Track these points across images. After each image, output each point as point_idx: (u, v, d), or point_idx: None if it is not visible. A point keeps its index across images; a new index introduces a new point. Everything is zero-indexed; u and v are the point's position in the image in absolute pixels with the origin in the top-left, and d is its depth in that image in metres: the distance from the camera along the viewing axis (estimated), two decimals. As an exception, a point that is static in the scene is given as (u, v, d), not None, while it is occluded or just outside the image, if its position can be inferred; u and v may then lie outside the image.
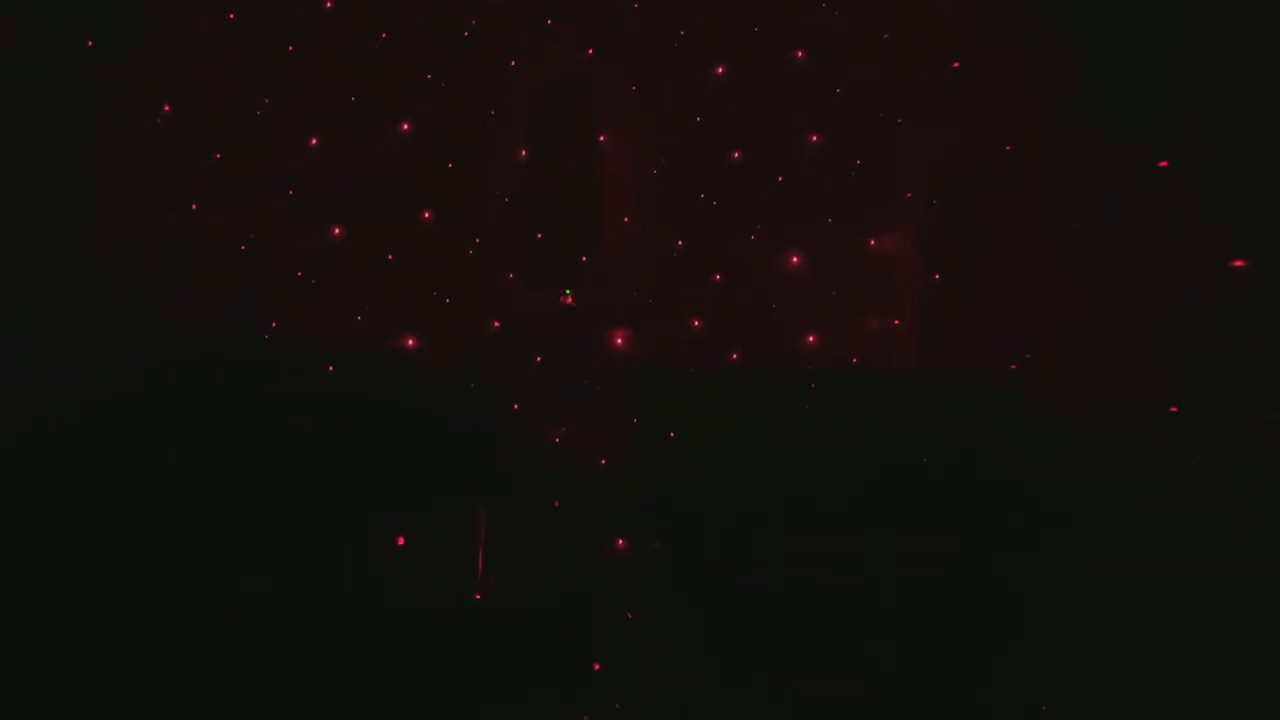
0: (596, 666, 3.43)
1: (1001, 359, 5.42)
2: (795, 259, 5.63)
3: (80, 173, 4.89)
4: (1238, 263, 4.98)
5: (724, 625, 3.80)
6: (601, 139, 5.69)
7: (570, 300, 5.64)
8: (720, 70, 5.63)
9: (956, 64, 5.52)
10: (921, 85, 5.61)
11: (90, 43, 4.85)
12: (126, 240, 5.04)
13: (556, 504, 4.74)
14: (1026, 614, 3.82)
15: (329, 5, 5.33)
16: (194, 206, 5.14)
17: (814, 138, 5.64)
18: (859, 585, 4.02)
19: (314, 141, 5.31)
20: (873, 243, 5.69)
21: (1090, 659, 3.67)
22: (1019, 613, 3.86)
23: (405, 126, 5.46)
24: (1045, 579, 4.06)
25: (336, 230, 5.34)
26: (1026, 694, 3.47)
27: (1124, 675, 3.58)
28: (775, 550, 4.28)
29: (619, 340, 5.59)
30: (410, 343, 5.45)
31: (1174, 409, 4.97)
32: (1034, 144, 5.43)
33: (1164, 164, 5.09)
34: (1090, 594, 4.01)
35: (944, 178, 5.61)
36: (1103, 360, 5.19)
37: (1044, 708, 3.51)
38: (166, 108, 5.09)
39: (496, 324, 5.62)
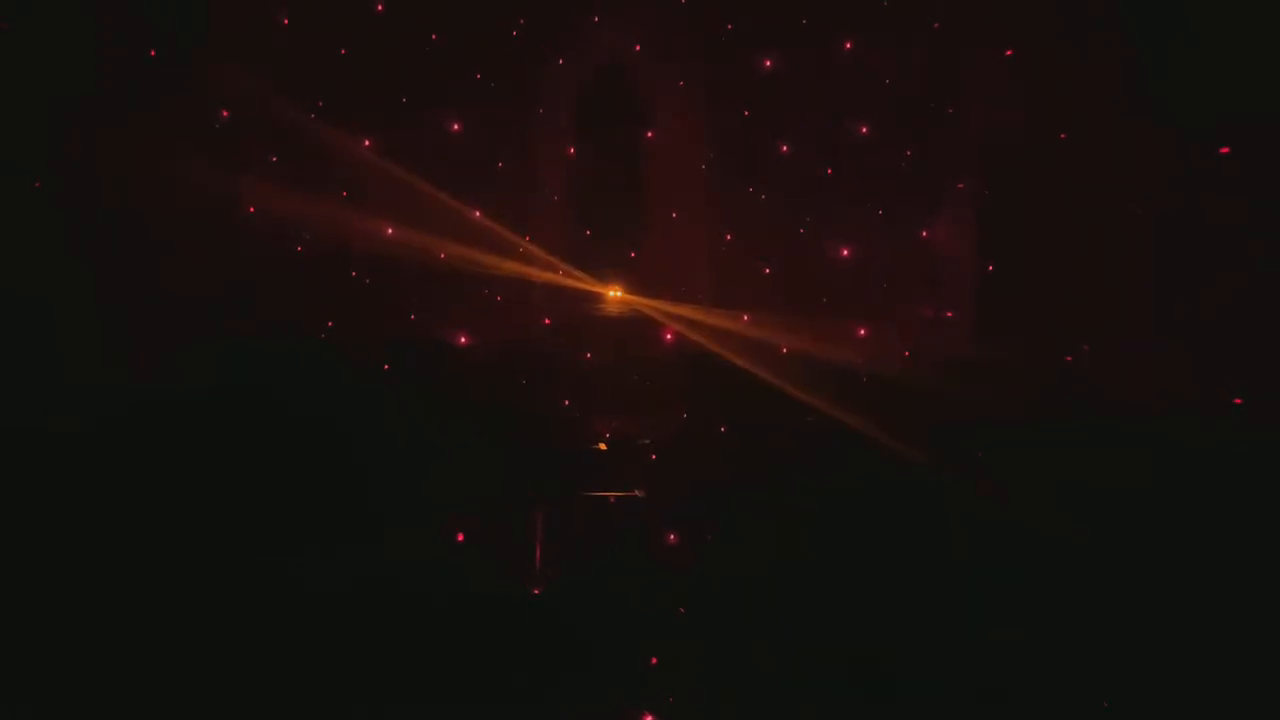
0: (654, 661, 3.47)
1: (1057, 350, 5.34)
2: (845, 251, 5.59)
3: (142, 174, 5.01)
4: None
5: (775, 619, 3.81)
6: (649, 134, 5.70)
7: (619, 295, 5.66)
8: (768, 62, 5.60)
9: (1009, 51, 5.43)
10: (973, 74, 5.54)
11: (153, 52, 4.98)
12: (186, 241, 5.16)
13: (612, 499, 4.78)
14: (1073, 605, 3.80)
15: (380, 8, 5.41)
16: (250, 209, 5.26)
17: (863, 128, 5.59)
18: (912, 575, 4.00)
19: (367, 143, 5.39)
20: (924, 234, 5.62)
21: (1154, 647, 3.63)
22: (1068, 605, 3.83)
23: (455, 126, 5.53)
24: (1094, 571, 4.01)
25: (389, 230, 5.42)
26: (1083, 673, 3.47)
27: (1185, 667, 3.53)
28: (828, 542, 4.27)
29: (668, 335, 5.60)
30: (463, 340, 5.51)
31: (1238, 400, 4.84)
32: (1090, 131, 5.32)
33: (1225, 150, 4.96)
34: (1142, 586, 3.96)
35: (997, 166, 5.53)
36: (1163, 351, 5.08)
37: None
38: (225, 113, 5.21)
39: (547, 320, 5.66)
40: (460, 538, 4.23)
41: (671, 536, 4.72)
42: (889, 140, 5.59)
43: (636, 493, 4.83)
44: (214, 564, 3.83)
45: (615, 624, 3.60)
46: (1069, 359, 5.31)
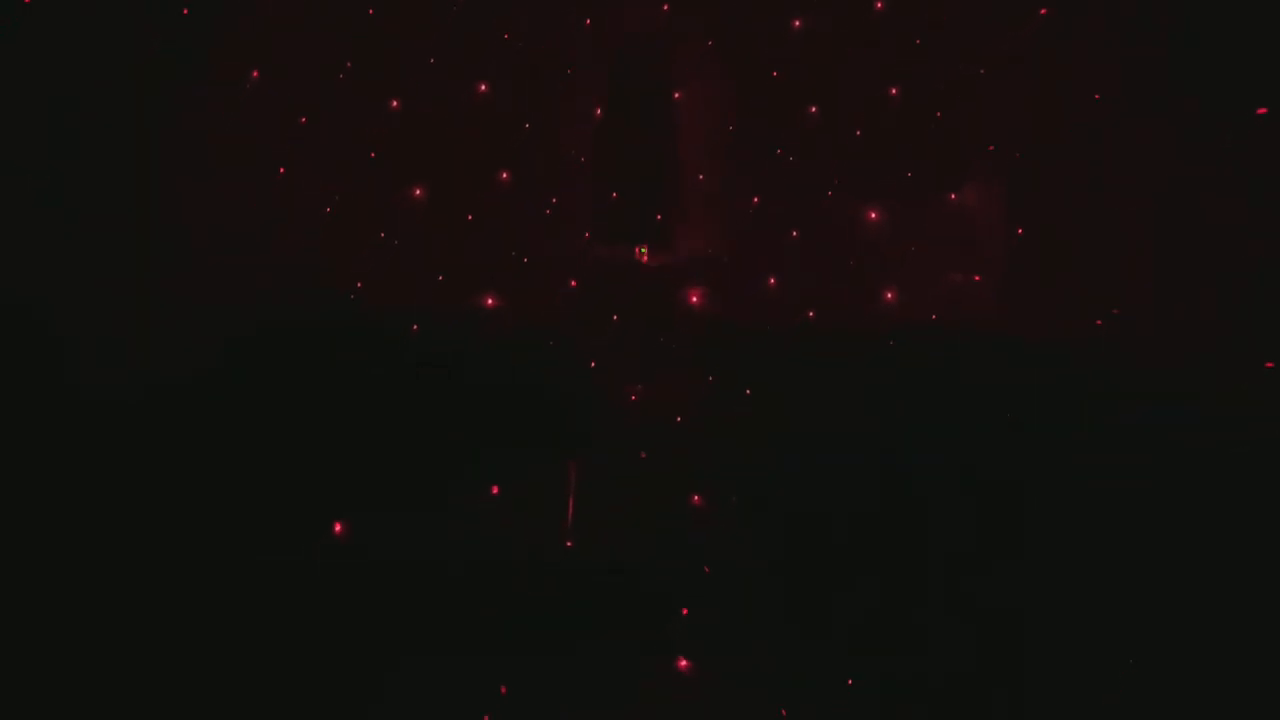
0: (685, 611, 3.56)
1: (1087, 314, 5.30)
2: (874, 214, 5.56)
3: (169, 137, 5.05)
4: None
5: (800, 581, 3.87)
6: (677, 96, 5.67)
7: (645, 258, 5.67)
8: (798, 23, 5.55)
9: (1044, 10, 5.35)
10: (1005, 35, 5.46)
11: (185, 10, 5.00)
12: (214, 204, 5.20)
13: (644, 455, 4.82)
14: (1106, 573, 3.81)
15: (408, -32, 5.40)
16: (280, 170, 5.28)
17: (893, 91, 5.54)
18: (936, 540, 4.04)
19: (395, 104, 5.40)
20: (953, 197, 5.58)
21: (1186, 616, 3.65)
22: (1098, 568, 3.84)
23: (483, 88, 5.52)
24: (1129, 541, 4.02)
25: (417, 191, 5.44)
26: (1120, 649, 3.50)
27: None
28: (851, 506, 4.31)
29: (694, 298, 5.60)
30: (489, 302, 5.53)
31: (1269, 364, 4.80)
32: (1124, 93, 5.25)
33: (1263, 110, 4.88)
34: (1179, 554, 3.96)
35: (1028, 130, 5.47)
36: (1194, 315, 5.04)
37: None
38: (255, 74, 5.23)
39: (573, 282, 5.67)
40: (495, 490, 4.31)
41: (695, 498, 4.77)
42: (919, 102, 5.54)
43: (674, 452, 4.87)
44: (255, 525, 3.93)
45: (645, 577, 3.68)
46: (1099, 323, 5.27)
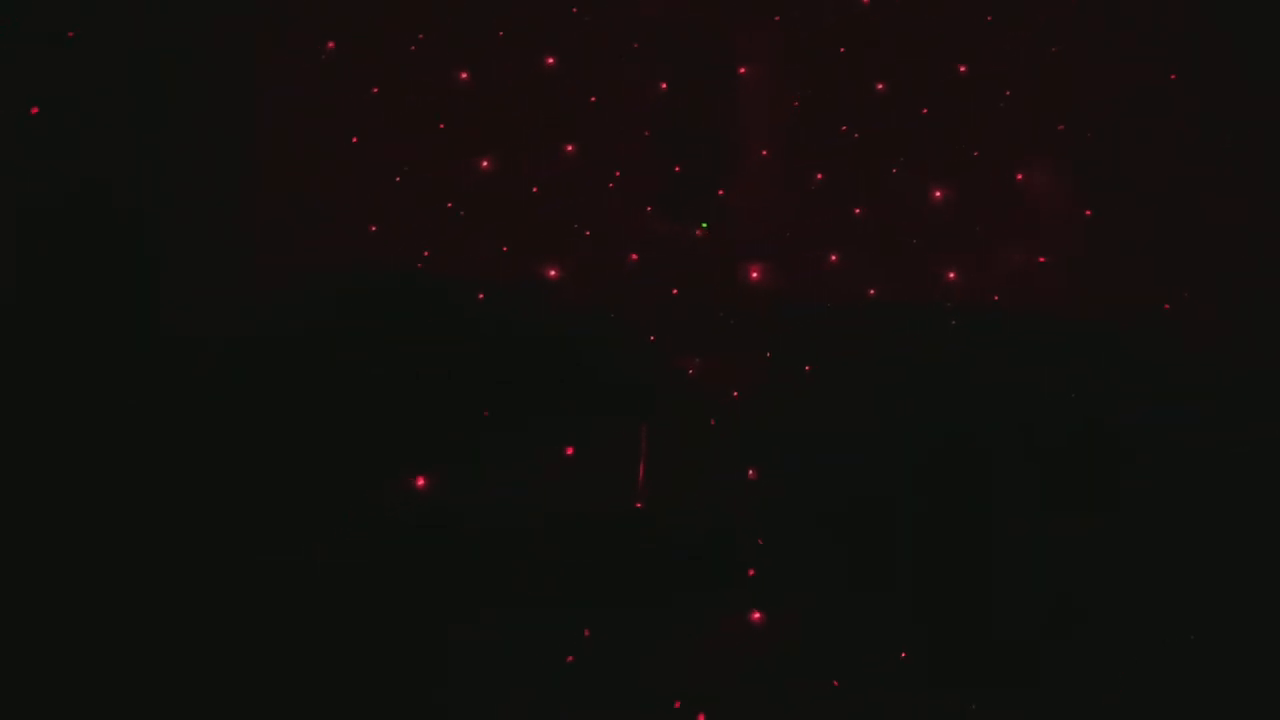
0: (751, 573, 3.66)
1: (1155, 298, 5.23)
2: (938, 193, 5.52)
3: (242, 106, 5.17)
4: None
5: (856, 557, 3.93)
6: (741, 71, 5.67)
7: (706, 233, 5.69)
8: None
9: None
10: (1079, 9, 5.37)
11: None
12: (285, 173, 5.32)
13: (713, 422, 4.89)
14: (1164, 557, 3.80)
15: (477, -60, 5.45)
16: (354, 140, 5.39)
17: (962, 68, 5.48)
18: (990, 517, 4.07)
19: (463, 75, 5.47)
20: (1020, 176, 5.52)
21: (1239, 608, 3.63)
22: (1156, 555, 3.83)
23: (549, 60, 5.57)
24: (1185, 528, 3.99)
25: (484, 163, 5.51)
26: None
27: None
28: (908, 484, 4.34)
29: (755, 274, 5.62)
30: (552, 274, 5.60)
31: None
32: (1201, 71, 5.14)
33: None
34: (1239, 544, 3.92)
35: (1100, 108, 5.38)
36: (1268, 302, 4.95)
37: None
38: (331, 44, 5.33)
39: (634, 256, 5.72)
40: (570, 451, 4.41)
41: (751, 472, 4.82)
42: (988, 80, 5.47)
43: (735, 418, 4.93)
44: (334, 485, 4.08)
45: (712, 537, 3.77)
46: (1167, 306, 5.20)
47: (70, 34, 4.79)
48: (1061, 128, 5.44)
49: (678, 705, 3.63)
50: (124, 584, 4.00)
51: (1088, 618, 3.50)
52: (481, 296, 5.40)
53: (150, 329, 4.78)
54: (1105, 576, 3.76)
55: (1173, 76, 5.18)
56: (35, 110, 4.70)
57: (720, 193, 5.70)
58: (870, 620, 3.45)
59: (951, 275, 5.50)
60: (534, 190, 5.54)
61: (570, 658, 3.42)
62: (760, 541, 4.04)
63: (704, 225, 5.69)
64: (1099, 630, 3.48)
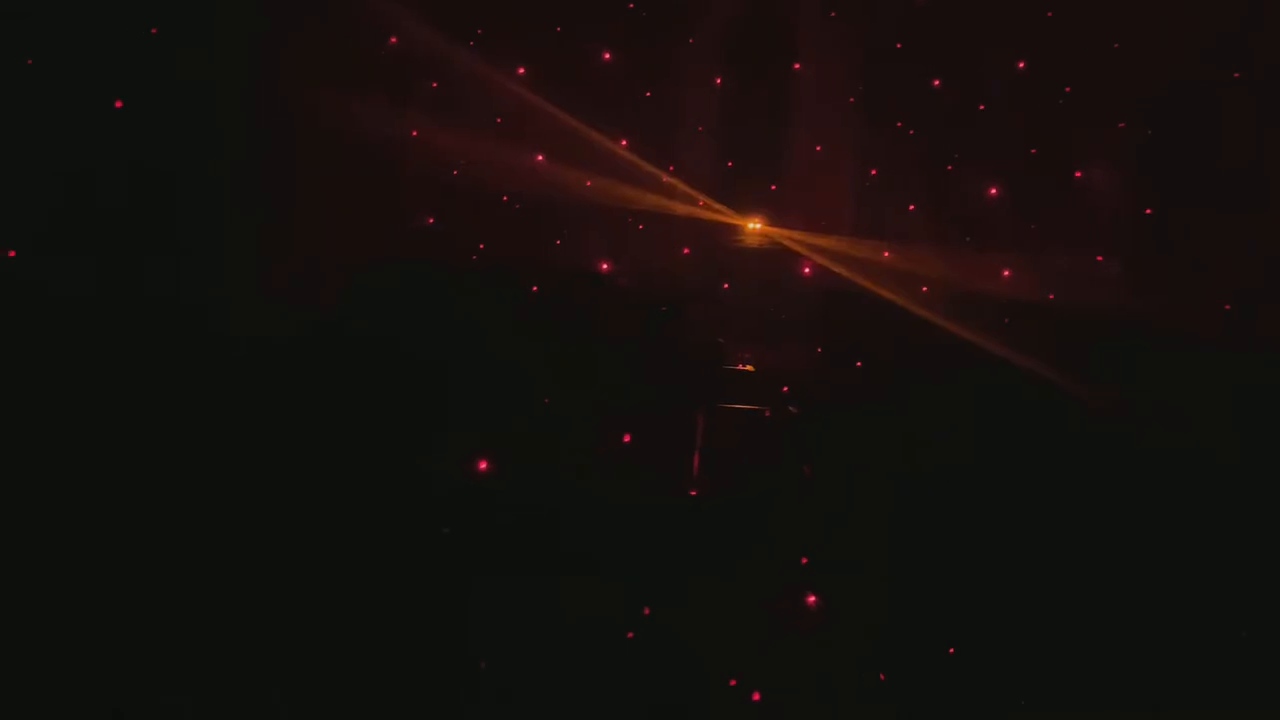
0: (804, 561, 3.74)
1: (1214, 299, 5.15)
2: (994, 190, 5.48)
3: (312, 98, 5.28)
4: None
5: (905, 549, 3.96)
6: (797, 66, 5.67)
7: (760, 228, 5.71)
8: (923, -5, 5.48)
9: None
10: (1140, 6, 5.29)
11: None
12: (349, 164, 5.43)
13: (767, 413, 4.94)
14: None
15: (534, -64, 5.51)
16: (414, 133, 5.49)
17: (1020, 64, 5.43)
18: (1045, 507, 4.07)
19: (521, 70, 5.54)
20: (1078, 175, 5.46)
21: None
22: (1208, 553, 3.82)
23: (606, 55, 5.62)
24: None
25: (540, 156, 5.58)
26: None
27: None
28: (960, 474, 4.36)
29: (806, 269, 5.63)
30: (604, 266, 5.66)
31: None
32: (1262, 70, 5.05)
33: None
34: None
35: (1161, 106, 5.30)
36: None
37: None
38: (393, 40, 5.43)
39: (686, 250, 5.76)
40: (627, 439, 4.50)
41: (806, 469, 4.85)
42: (1047, 76, 5.42)
43: (791, 409, 4.97)
44: (396, 469, 4.22)
45: (767, 525, 3.86)
46: (1227, 307, 5.11)
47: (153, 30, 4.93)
48: (1123, 126, 5.37)
49: (734, 684, 3.78)
50: (184, 560, 4.19)
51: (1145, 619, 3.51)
52: (536, 289, 5.48)
53: (203, 323, 4.93)
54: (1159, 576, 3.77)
55: (1236, 75, 5.08)
56: (119, 104, 4.85)
57: (773, 188, 5.71)
58: (916, 612, 3.51)
59: (1006, 273, 5.46)
60: (587, 184, 5.59)
61: (630, 634, 3.58)
62: (811, 528, 4.12)
63: (756, 220, 5.71)
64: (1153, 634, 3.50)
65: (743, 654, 3.54)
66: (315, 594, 3.86)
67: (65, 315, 4.65)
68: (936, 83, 5.50)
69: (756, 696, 3.75)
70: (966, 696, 3.42)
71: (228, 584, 4.04)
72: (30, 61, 4.77)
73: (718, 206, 5.70)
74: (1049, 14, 5.36)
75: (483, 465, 4.41)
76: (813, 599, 3.61)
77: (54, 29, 4.82)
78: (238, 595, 4.01)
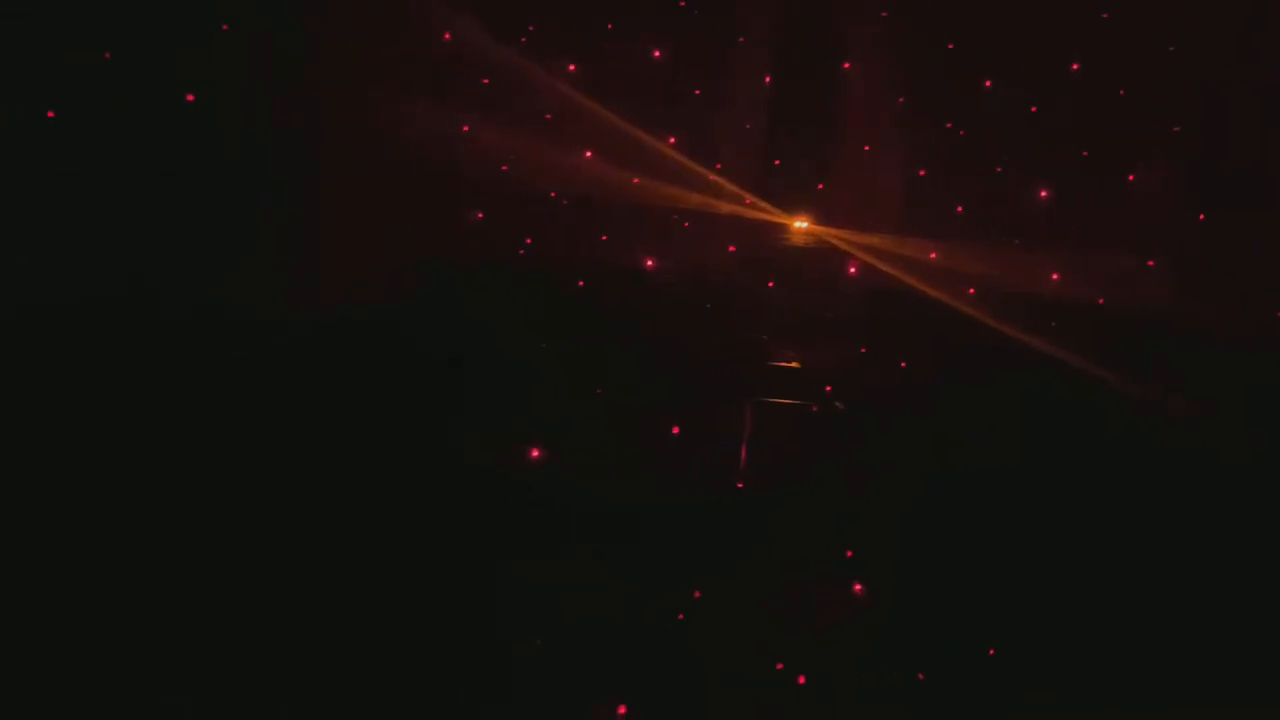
0: (849, 554, 3.80)
1: (1265, 305, 5.07)
2: (1044, 193, 5.43)
3: (367, 96, 5.38)
4: None
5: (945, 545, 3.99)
6: (846, 66, 5.66)
7: (806, 227, 5.71)
8: (977, -6, 5.44)
9: None
10: (1195, 8, 5.21)
11: None
12: (402, 158, 5.51)
13: (814, 409, 4.97)
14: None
15: (590, -66, 5.55)
16: (464, 128, 5.56)
17: (1074, 65, 5.37)
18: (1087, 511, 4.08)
19: (571, 67, 5.59)
20: (1130, 178, 5.40)
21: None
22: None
23: (656, 53, 5.64)
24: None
25: (588, 153, 5.63)
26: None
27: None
28: (996, 477, 4.36)
29: (852, 269, 5.62)
30: (649, 263, 5.69)
31: None
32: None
33: None
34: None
35: (1218, 112, 5.22)
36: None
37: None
38: (446, 35, 5.51)
39: (731, 248, 5.77)
40: (675, 430, 4.56)
41: (843, 466, 4.87)
42: (1101, 78, 5.35)
43: (837, 405, 5.01)
44: (441, 459, 4.32)
45: (811, 517, 3.94)
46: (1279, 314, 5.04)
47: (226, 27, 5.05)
48: (1177, 129, 5.30)
49: (780, 667, 3.92)
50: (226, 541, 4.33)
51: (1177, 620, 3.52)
52: (581, 284, 5.53)
53: (254, 319, 5.05)
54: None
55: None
56: (191, 97, 4.98)
57: (820, 187, 5.70)
58: (958, 609, 3.56)
59: (1055, 276, 5.41)
60: (635, 181, 5.63)
61: (681, 615, 3.73)
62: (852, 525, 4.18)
63: (803, 219, 5.71)
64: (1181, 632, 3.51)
65: (790, 639, 3.72)
66: (346, 589, 4.00)
67: (123, 311, 4.79)
68: (988, 83, 5.46)
69: (801, 680, 3.91)
70: (998, 695, 3.46)
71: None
72: (107, 55, 4.92)
73: (764, 205, 5.71)
74: (1104, 15, 5.29)
75: (535, 454, 4.53)
76: (859, 588, 3.72)
77: (128, 26, 4.97)
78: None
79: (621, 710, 3.88)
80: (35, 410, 4.55)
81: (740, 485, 4.31)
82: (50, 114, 4.82)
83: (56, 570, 4.24)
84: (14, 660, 3.98)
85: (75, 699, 3.92)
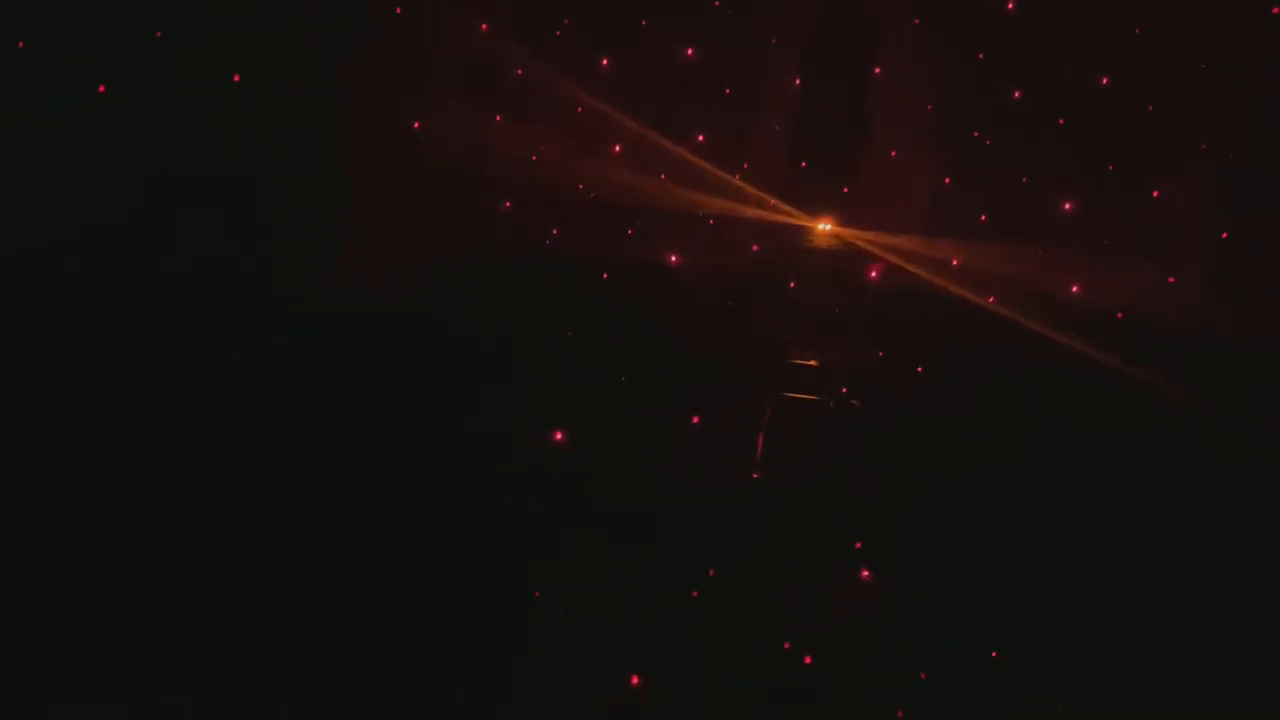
0: (858, 545, 3.87)
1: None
2: (1068, 205, 5.45)
3: (401, 89, 5.46)
4: None
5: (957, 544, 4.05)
6: (877, 71, 5.69)
7: (829, 229, 5.74)
8: (1010, 4, 5.46)
9: (1276, 10, 5.07)
10: (1231, 26, 5.21)
11: None
12: (438, 146, 5.59)
13: (832, 404, 5.03)
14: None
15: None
16: (497, 118, 5.63)
17: (1104, 80, 5.38)
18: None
19: (604, 62, 5.65)
20: (1156, 194, 5.41)
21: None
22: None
23: (689, 51, 5.70)
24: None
25: (617, 147, 5.68)
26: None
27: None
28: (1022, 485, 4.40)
29: (873, 273, 5.65)
30: (673, 259, 5.75)
31: None
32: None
33: None
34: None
35: (1248, 130, 5.22)
36: None
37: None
38: (484, 26, 5.58)
39: (755, 247, 5.81)
40: (695, 420, 4.64)
41: (854, 465, 4.91)
42: (1130, 92, 5.36)
43: (854, 402, 5.06)
44: (456, 452, 4.41)
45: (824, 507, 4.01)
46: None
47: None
48: (1204, 146, 5.30)
49: (787, 646, 4.01)
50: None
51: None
52: (606, 276, 5.60)
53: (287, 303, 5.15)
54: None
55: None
56: (237, 77, 5.07)
57: (845, 190, 5.74)
58: (958, 608, 3.61)
59: (1075, 289, 5.43)
60: (662, 177, 5.69)
61: (695, 593, 3.85)
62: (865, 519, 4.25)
63: (827, 222, 5.75)
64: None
65: (797, 621, 3.81)
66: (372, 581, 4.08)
67: (170, 302, 4.88)
68: (1017, 94, 5.48)
69: (808, 660, 4.02)
70: (999, 695, 3.51)
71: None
72: (156, 36, 5.02)
73: (788, 206, 5.75)
74: (1136, 30, 5.30)
75: (558, 436, 4.63)
76: (866, 573, 3.81)
77: (171, 21, 5.07)
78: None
79: (634, 680, 4.01)
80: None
81: (756, 476, 4.43)
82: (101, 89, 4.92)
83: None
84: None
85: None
